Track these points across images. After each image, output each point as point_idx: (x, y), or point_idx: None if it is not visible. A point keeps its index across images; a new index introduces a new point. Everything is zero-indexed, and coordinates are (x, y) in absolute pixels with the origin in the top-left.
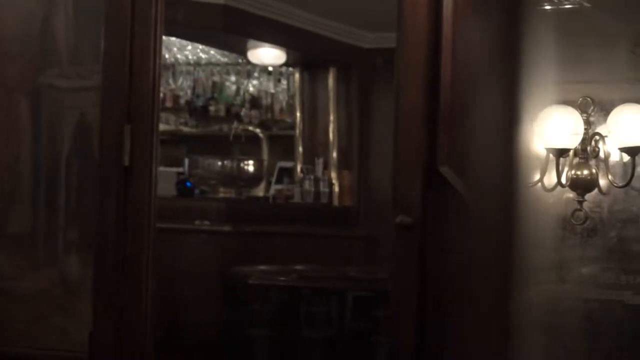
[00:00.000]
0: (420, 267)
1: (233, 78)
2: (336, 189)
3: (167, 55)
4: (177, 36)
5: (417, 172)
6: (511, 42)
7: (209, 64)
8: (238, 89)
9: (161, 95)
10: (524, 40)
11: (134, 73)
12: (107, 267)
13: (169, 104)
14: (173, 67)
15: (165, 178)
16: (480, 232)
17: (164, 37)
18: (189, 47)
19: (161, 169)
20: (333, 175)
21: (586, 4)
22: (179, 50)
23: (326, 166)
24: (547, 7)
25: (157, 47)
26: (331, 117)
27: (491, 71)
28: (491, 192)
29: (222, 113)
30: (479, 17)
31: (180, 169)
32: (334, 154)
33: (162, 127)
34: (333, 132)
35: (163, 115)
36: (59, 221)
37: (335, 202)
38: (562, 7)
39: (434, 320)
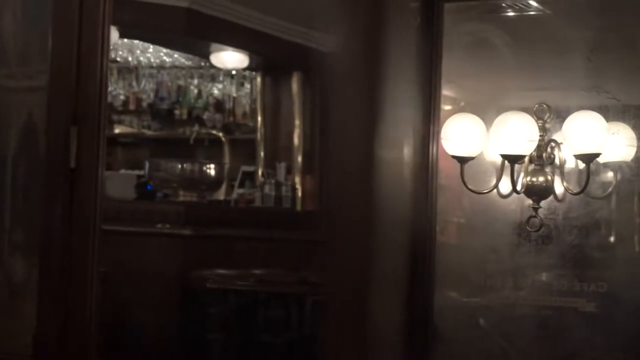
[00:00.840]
0: None
1: (196, 81)
2: (299, 193)
3: (130, 58)
4: (140, 39)
5: None
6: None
7: (173, 67)
8: (201, 93)
9: (123, 97)
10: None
11: (81, 74)
12: (52, 269)
13: (132, 106)
14: (136, 69)
15: (125, 180)
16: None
17: (126, 40)
18: (150, 50)
19: (122, 171)
20: (297, 179)
21: (547, 11)
22: (142, 52)
23: (290, 170)
24: (511, 14)
25: (104, 48)
26: (296, 122)
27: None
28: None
29: (185, 116)
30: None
31: (142, 172)
32: (299, 159)
33: (124, 129)
34: (298, 137)
35: (126, 118)
36: (5, 222)
37: (299, 206)
38: (525, 13)
39: None
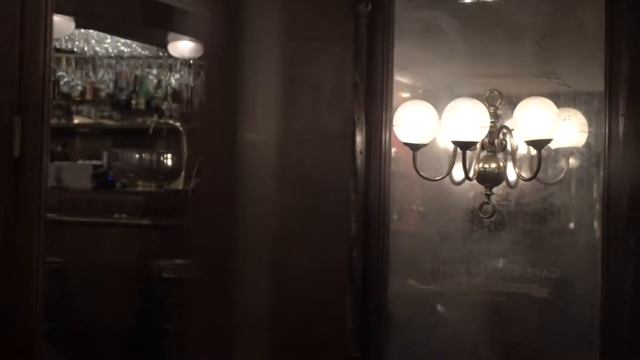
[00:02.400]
0: None
1: (155, 71)
2: None
3: (86, 48)
4: (96, 29)
5: None
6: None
7: (131, 57)
8: (159, 82)
9: (81, 88)
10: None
11: (24, 63)
12: None
13: (88, 96)
14: (93, 60)
15: (81, 170)
16: None
17: (82, 30)
18: (108, 40)
19: (79, 161)
20: None
21: None
22: (98, 43)
23: None
24: (462, 0)
25: (47, 37)
26: None
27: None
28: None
29: (142, 106)
30: None
31: (100, 162)
32: None
33: (81, 120)
34: None
35: (84, 108)
36: None
37: None
38: (477, 0)
39: None
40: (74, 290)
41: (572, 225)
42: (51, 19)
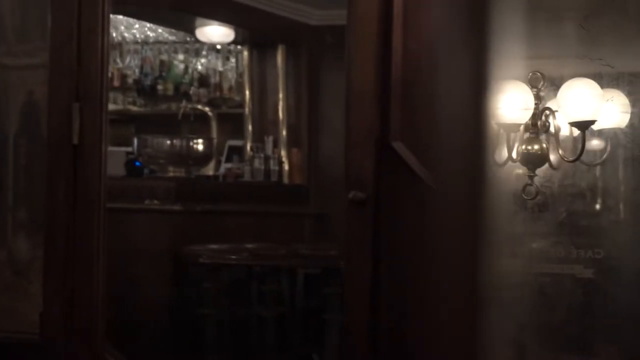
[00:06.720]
0: (374, 244)
1: (181, 56)
2: (286, 166)
3: (114, 34)
4: (124, 14)
5: (369, 148)
6: (477, 10)
7: (157, 42)
8: (186, 68)
9: (109, 74)
10: (490, 7)
11: (81, 51)
12: (58, 248)
13: (116, 83)
14: (120, 46)
15: (114, 158)
16: (439, 209)
17: (110, 16)
18: (136, 26)
19: (110, 148)
20: (283, 153)
21: None
22: (126, 28)
23: (276, 144)
24: None
25: (104, 25)
26: (280, 95)
27: (454, 41)
28: (454, 167)
29: (171, 92)
30: None
31: (129, 149)
32: (284, 132)
33: (110, 106)
34: (283, 110)
35: (111, 94)
36: (8, 202)
37: (285, 180)
38: None
39: (389, 297)
40: (107, 277)
41: (616, 206)
42: (108, 8)
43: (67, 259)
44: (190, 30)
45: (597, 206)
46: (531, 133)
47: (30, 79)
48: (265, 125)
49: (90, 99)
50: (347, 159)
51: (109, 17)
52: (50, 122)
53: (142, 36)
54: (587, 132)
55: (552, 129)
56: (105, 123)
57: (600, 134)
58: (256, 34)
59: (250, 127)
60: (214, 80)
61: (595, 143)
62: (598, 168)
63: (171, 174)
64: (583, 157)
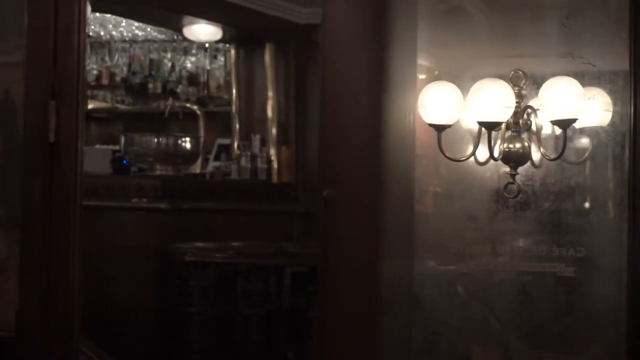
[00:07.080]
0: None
1: (169, 55)
2: (275, 165)
3: (102, 33)
4: (112, 13)
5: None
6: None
7: (146, 41)
8: (174, 66)
9: (96, 72)
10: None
11: (58, 49)
12: (34, 245)
13: (105, 81)
14: (109, 44)
15: (101, 155)
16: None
17: (98, 14)
18: (123, 24)
19: (97, 146)
20: (272, 151)
21: None
22: (114, 27)
23: (264, 142)
24: None
25: (81, 22)
26: (269, 94)
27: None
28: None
29: (159, 90)
30: None
31: (117, 147)
32: (273, 130)
33: (98, 104)
34: (272, 109)
35: (99, 92)
36: None
37: (274, 178)
38: None
39: None
40: (93, 275)
41: (597, 204)
42: (84, 5)
43: (43, 256)
44: (179, 29)
45: (579, 204)
46: (513, 131)
47: (6, 76)
48: (252, 123)
49: (67, 97)
50: (321, 157)
51: (85, 14)
52: (26, 120)
53: (131, 34)
54: (569, 131)
55: (533, 127)
56: (81, 121)
57: (582, 132)
58: (244, 32)
59: (237, 126)
60: (202, 78)
61: (577, 141)
62: (580, 166)
63: (158, 172)
64: (565, 156)
